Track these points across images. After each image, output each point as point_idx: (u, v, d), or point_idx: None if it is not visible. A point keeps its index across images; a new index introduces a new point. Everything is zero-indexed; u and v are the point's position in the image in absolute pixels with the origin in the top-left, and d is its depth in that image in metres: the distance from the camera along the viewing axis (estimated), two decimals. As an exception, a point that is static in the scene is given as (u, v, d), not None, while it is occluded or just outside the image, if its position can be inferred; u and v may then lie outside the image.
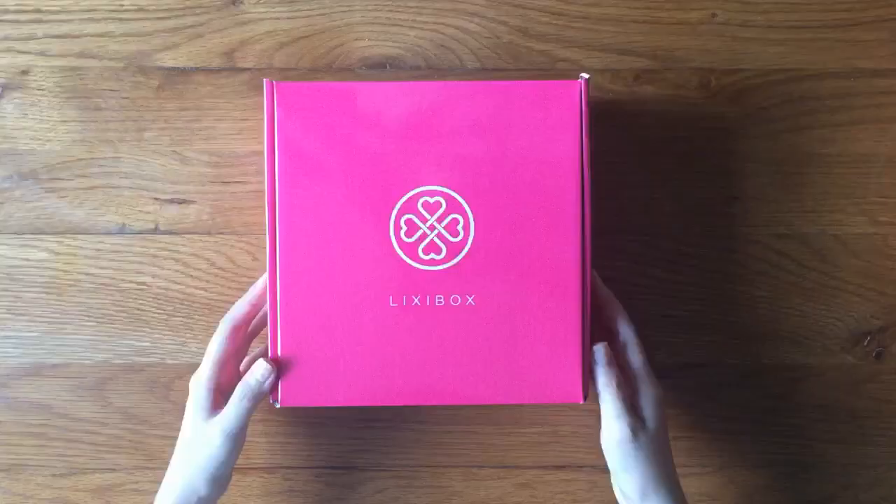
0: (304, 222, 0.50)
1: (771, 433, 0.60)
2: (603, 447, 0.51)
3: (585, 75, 0.51)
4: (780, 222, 0.59)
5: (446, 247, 0.51)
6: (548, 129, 0.50)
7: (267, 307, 0.51)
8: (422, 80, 0.58)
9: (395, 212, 0.50)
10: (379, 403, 0.51)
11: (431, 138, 0.50)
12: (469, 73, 0.58)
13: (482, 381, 0.51)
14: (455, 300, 0.51)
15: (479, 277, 0.51)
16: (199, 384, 0.51)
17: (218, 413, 0.50)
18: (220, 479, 0.51)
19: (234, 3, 0.58)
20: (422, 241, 0.51)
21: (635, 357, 0.52)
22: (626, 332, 0.52)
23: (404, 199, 0.50)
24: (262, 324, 0.54)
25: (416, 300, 0.51)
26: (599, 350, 0.51)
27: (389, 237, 0.50)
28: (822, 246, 0.59)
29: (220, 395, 0.51)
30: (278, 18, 0.58)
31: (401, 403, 0.51)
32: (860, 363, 0.60)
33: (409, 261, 0.51)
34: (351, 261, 0.50)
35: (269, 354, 0.51)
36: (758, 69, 0.59)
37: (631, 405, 0.50)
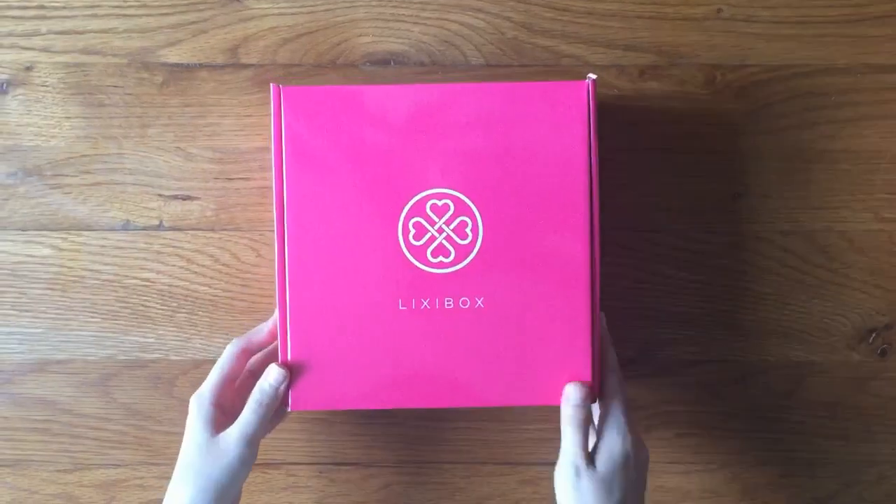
0: (313, 227, 0.50)
1: (775, 430, 0.60)
2: (554, 479, 0.50)
3: (593, 76, 0.50)
4: (785, 219, 0.59)
5: (455, 249, 0.51)
6: (555, 131, 0.50)
7: (277, 343, 0.51)
8: (426, 76, 0.58)
9: (403, 215, 0.50)
10: (388, 406, 0.51)
11: (439, 140, 0.50)
12: (473, 69, 0.58)
13: (492, 384, 0.51)
14: (464, 302, 0.51)
15: (488, 279, 0.50)
16: (203, 399, 0.50)
17: (222, 432, 0.49)
18: (230, 498, 0.49)
19: (237, -1, 0.58)
20: (430, 244, 0.51)
21: (614, 407, 0.50)
22: (613, 383, 0.51)
23: (412, 201, 0.50)
24: (264, 363, 0.53)
25: (425, 303, 0.51)
26: (573, 389, 0.50)
27: (398, 240, 0.50)
28: (828, 242, 0.59)
29: (222, 414, 0.50)
30: (282, 14, 0.58)
31: (410, 406, 0.51)
32: (865, 360, 0.60)
33: (417, 264, 0.50)
34: (360, 264, 0.50)
35: (280, 359, 0.51)
36: (763, 65, 0.59)
37: (592, 449, 0.49)
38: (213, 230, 0.59)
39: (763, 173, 0.59)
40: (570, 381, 0.51)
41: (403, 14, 0.58)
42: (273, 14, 0.58)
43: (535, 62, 0.58)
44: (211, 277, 0.59)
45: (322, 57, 0.58)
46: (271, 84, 0.50)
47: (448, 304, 0.51)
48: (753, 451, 0.60)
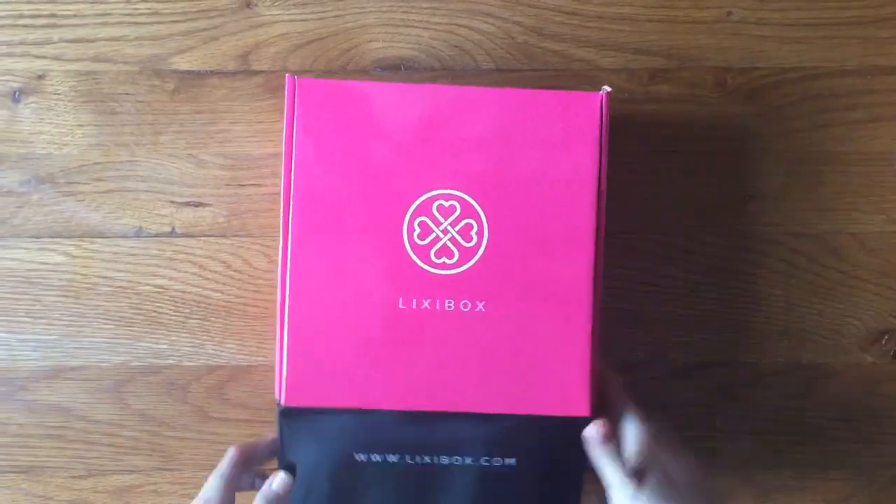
0: (318, 219, 0.50)
1: (788, 433, 0.60)
2: None
3: (607, 88, 0.50)
4: (796, 221, 0.59)
5: (459, 251, 0.50)
6: (566, 140, 0.50)
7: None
8: (437, 81, 0.58)
9: (409, 214, 0.50)
10: (381, 407, 0.50)
11: (449, 142, 0.50)
12: (483, 73, 0.58)
13: (487, 389, 0.50)
14: (465, 305, 0.50)
15: (491, 283, 0.50)
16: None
17: None
18: None
19: (248, 6, 0.58)
20: (434, 245, 0.50)
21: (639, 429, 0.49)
22: (627, 408, 0.50)
23: (419, 201, 0.50)
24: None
25: (426, 303, 0.50)
26: (592, 431, 0.49)
27: (402, 239, 0.50)
28: (839, 244, 0.59)
29: None
30: (292, 21, 0.58)
31: (403, 408, 0.50)
32: (878, 362, 0.60)
33: (420, 263, 0.50)
34: (363, 261, 0.50)
35: (277, 353, 0.50)
36: (774, 67, 0.59)
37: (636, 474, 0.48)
38: (224, 236, 0.59)
39: (773, 176, 0.59)
40: (590, 424, 0.49)
41: (413, 19, 0.58)
42: (283, 20, 0.58)
43: (546, 66, 0.58)
44: (223, 283, 0.59)
45: (332, 63, 0.58)
46: (287, 75, 0.50)
47: (449, 306, 0.50)
48: (766, 453, 0.60)
